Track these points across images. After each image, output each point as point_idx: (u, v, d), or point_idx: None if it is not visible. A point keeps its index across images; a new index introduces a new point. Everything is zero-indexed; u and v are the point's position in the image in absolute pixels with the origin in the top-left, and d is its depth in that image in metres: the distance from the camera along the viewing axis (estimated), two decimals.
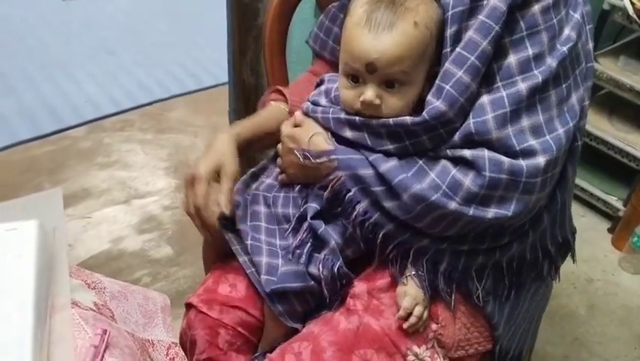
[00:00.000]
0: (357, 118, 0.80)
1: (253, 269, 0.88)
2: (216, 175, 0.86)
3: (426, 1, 0.76)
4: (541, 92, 0.74)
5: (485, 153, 0.73)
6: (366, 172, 0.78)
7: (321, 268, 0.82)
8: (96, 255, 1.71)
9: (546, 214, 0.82)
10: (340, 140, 0.83)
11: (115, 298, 0.67)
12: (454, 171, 0.75)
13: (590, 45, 0.81)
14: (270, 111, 0.98)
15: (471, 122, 0.74)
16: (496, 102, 0.74)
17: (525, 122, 0.74)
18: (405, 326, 0.80)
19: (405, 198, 0.75)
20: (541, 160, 0.73)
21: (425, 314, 0.80)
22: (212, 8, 2.64)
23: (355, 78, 0.79)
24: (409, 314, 0.80)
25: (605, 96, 1.92)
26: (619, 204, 1.85)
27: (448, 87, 0.74)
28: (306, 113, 0.90)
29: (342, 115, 0.82)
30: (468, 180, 0.74)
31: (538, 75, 0.73)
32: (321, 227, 0.82)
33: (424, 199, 0.74)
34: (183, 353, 0.71)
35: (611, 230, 1.87)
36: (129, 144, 2.19)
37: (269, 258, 0.86)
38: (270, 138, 0.95)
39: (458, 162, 0.75)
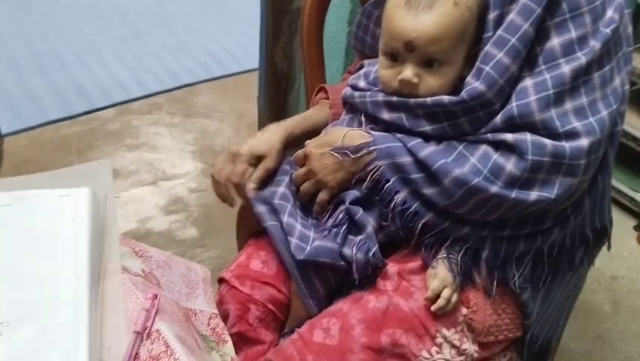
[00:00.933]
0: (394, 98, 0.81)
1: (279, 233, 0.87)
2: (255, 162, 0.92)
3: None
4: (584, 74, 0.74)
5: (528, 137, 0.73)
6: (406, 160, 0.78)
7: (355, 251, 0.82)
8: (124, 234, 1.73)
9: (587, 199, 0.82)
10: (377, 122, 0.84)
11: (160, 267, 0.69)
12: (496, 156, 0.75)
13: (630, 29, 0.80)
14: (319, 109, 1.02)
15: (514, 105, 0.74)
16: (540, 85, 0.74)
17: (568, 104, 0.74)
18: (432, 308, 0.80)
19: (446, 183, 0.75)
20: (584, 142, 0.73)
21: (454, 297, 0.80)
22: None
23: (394, 57, 0.80)
24: (438, 296, 0.80)
25: (636, 93, 1.89)
26: None
27: (487, 69, 0.74)
28: (344, 99, 0.91)
29: (380, 97, 0.83)
30: (510, 164, 0.74)
31: (582, 57, 0.73)
32: (359, 212, 0.83)
33: (465, 183, 0.74)
34: (224, 325, 0.72)
35: (637, 228, 1.86)
36: (157, 127, 2.21)
37: (302, 228, 0.87)
38: (318, 134, 0.97)
39: (499, 146, 0.75)
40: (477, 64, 0.76)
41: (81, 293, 0.55)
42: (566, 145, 0.73)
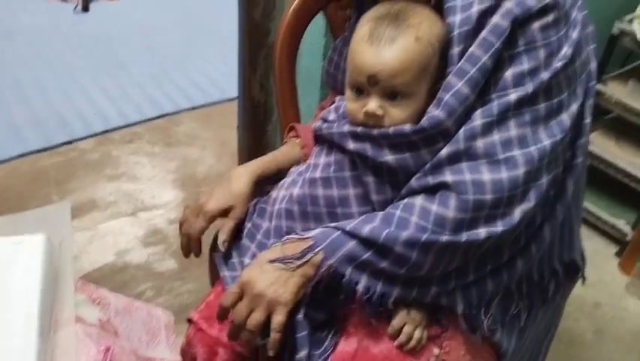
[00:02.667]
0: (359, 129, 0.81)
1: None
2: (224, 212, 0.92)
3: (430, 18, 0.78)
4: (529, 103, 0.75)
5: (467, 177, 0.74)
6: (351, 244, 0.76)
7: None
8: (101, 267, 1.71)
9: (547, 228, 0.81)
10: (344, 152, 0.84)
11: (119, 314, 0.67)
12: (435, 207, 0.74)
13: (594, 64, 0.81)
14: (290, 147, 1.02)
15: (461, 131, 0.75)
16: (486, 111, 0.75)
17: (512, 131, 0.75)
18: (394, 344, 0.79)
19: (398, 249, 0.74)
20: (521, 171, 0.74)
21: (417, 334, 0.79)
22: (224, 23, 2.68)
23: (359, 90, 0.81)
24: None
25: (612, 120, 1.92)
26: (627, 228, 1.83)
27: (447, 97, 0.75)
28: (314, 132, 0.91)
29: (346, 127, 0.83)
30: (451, 211, 0.74)
31: (529, 87, 0.74)
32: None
33: (416, 242, 0.74)
34: None
35: (618, 254, 1.86)
36: (137, 156, 2.20)
37: None
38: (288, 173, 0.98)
39: (437, 190, 0.75)
40: (438, 94, 0.77)
41: (30, 347, 0.53)
42: (504, 177, 0.73)
